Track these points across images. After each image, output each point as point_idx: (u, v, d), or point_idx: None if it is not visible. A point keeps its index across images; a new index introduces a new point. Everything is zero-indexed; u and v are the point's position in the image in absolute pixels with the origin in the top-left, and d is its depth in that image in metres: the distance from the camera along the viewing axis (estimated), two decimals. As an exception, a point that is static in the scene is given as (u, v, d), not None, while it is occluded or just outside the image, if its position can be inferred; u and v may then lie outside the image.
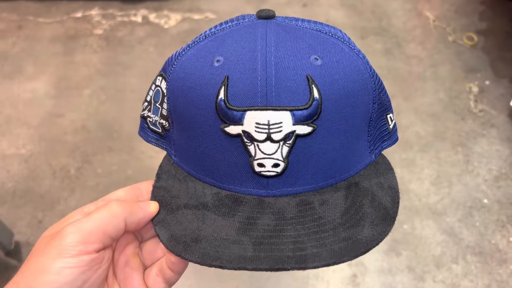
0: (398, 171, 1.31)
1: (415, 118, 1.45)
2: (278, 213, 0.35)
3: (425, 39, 1.71)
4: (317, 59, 0.35)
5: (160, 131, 0.42)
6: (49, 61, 1.63)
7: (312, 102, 0.34)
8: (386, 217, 0.36)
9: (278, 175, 0.36)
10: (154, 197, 0.39)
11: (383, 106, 0.40)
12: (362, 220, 0.35)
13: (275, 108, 0.34)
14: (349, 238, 0.33)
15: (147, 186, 0.40)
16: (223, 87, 0.34)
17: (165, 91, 0.39)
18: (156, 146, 0.43)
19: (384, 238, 0.34)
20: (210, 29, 0.39)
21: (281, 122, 0.34)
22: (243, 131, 0.34)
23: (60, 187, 1.27)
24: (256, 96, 0.34)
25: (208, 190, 0.38)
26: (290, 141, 0.34)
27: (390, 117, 0.42)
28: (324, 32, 0.37)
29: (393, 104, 1.48)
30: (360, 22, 1.78)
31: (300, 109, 0.34)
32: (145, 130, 0.43)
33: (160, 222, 0.37)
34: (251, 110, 0.34)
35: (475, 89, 1.53)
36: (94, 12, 1.82)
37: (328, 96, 0.34)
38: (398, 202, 0.38)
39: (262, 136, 0.34)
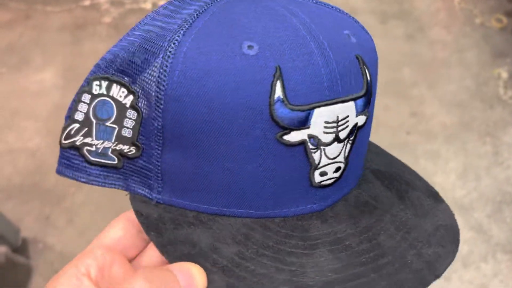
0: (422, 163, 1.25)
1: (440, 107, 1.38)
2: (355, 224, 0.30)
3: (450, 22, 1.64)
4: (350, 36, 0.30)
5: (115, 162, 0.30)
6: (57, 51, 1.60)
7: (367, 86, 0.29)
8: (435, 195, 0.34)
9: (336, 181, 0.30)
10: (175, 257, 0.27)
11: None
12: (429, 209, 0.32)
13: (344, 99, 0.28)
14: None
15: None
16: (278, 82, 0.26)
17: (138, 103, 0.28)
18: (102, 185, 0.31)
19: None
20: (179, 10, 0.30)
21: (347, 116, 0.28)
22: (309, 135, 0.27)
23: (67, 183, 1.23)
24: (322, 87, 0.27)
25: (255, 224, 0.29)
26: (353, 137, 0.29)
27: None
28: (323, 4, 0.32)
29: (416, 92, 1.42)
30: (380, 6, 1.71)
31: (361, 97, 0.29)
32: (78, 166, 0.30)
33: None
34: (319, 106, 0.27)
35: (504, 75, 1.46)
36: None
37: (372, 78, 0.30)
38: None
39: (330, 138, 0.28)
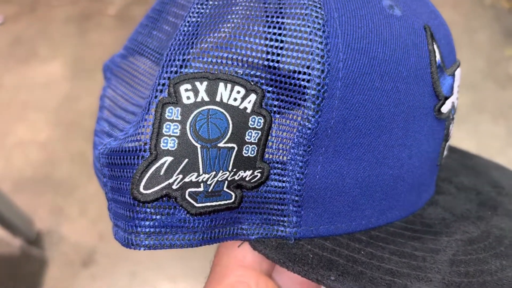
0: (434, 147, 1.23)
1: (451, 89, 1.36)
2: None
3: (459, 3, 1.59)
4: None
5: (231, 200, 0.20)
6: (63, 43, 1.59)
7: None
8: None
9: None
10: None
11: None
12: None
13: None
14: None
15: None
16: (434, 44, 0.22)
17: (266, 102, 0.19)
18: (208, 244, 0.21)
19: None
20: None
21: None
22: (452, 103, 0.24)
23: (79, 173, 1.23)
24: (452, 47, 0.24)
25: (413, 225, 0.24)
26: None
27: None
28: None
29: (426, 74, 1.39)
30: (387, -12, 1.67)
31: None
32: (172, 224, 0.20)
33: None
34: (457, 68, 0.24)
35: (515, 55, 1.42)
36: (107, -10, 1.76)
37: None
38: None
39: (456, 103, 0.25)
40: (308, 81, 0.19)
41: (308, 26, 0.19)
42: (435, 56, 0.22)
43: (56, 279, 1.02)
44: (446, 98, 0.23)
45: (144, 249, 0.20)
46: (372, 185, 0.22)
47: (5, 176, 1.23)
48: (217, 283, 0.21)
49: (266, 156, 0.20)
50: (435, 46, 0.22)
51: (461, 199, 0.26)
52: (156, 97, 0.19)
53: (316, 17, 0.19)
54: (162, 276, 0.99)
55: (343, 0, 0.20)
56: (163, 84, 0.19)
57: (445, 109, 0.23)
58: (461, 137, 1.25)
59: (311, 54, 0.19)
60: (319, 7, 0.19)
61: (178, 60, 0.19)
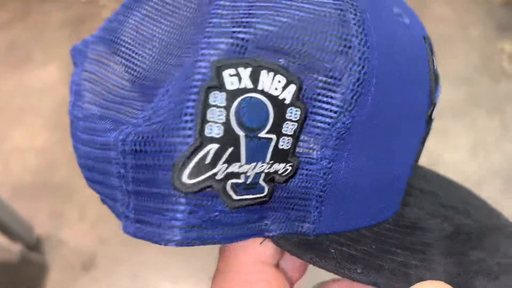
0: (430, 141, 1.23)
1: (446, 84, 1.35)
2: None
3: (452, -2, 1.60)
4: None
5: (264, 194, 0.19)
6: (58, 47, 1.59)
7: None
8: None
9: None
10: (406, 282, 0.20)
11: None
12: None
13: None
14: None
15: None
16: (431, 52, 0.23)
17: (303, 94, 0.18)
18: (234, 241, 0.20)
19: None
20: None
21: None
22: (435, 110, 0.26)
23: (78, 177, 1.22)
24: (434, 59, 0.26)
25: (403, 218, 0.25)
26: None
27: None
28: None
29: (421, 70, 1.40)
30: (380, -14, 1.68)
31: None
32: (211, 219, 0.19)
33: None
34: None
35: (508, 49, 1.43)
36: (101, -6, 1.77)
37: None
38: None
39: None
40: (348, 75, 0.19)
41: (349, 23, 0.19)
42: (433, 65, 0.23)
43: (57, 283, 1.02)
44: (435, 105, 0.24)
45: (176, 245, 0.18)
46: (380, 184, 0.22)
47: (4, 182, 1.23)
48: (234, 278, 0.21)
49: (297, 149, 0.19)
50: (432, 55, 0.23)
51: (426, 201, 0.27)
52: (196, 80, 0.18)
53: (355, 14, 0.19)
54: (163, 277, 0.99)
55: (368, 1, 0.20)
56: (204, 67, 0.18)
57: (434, 113, 0.25)
58: (458, 132, 1.25)
59: (353, 50, 0.19)
60: (356, 5, 0.19)
61: (221, 43, 0.18)
